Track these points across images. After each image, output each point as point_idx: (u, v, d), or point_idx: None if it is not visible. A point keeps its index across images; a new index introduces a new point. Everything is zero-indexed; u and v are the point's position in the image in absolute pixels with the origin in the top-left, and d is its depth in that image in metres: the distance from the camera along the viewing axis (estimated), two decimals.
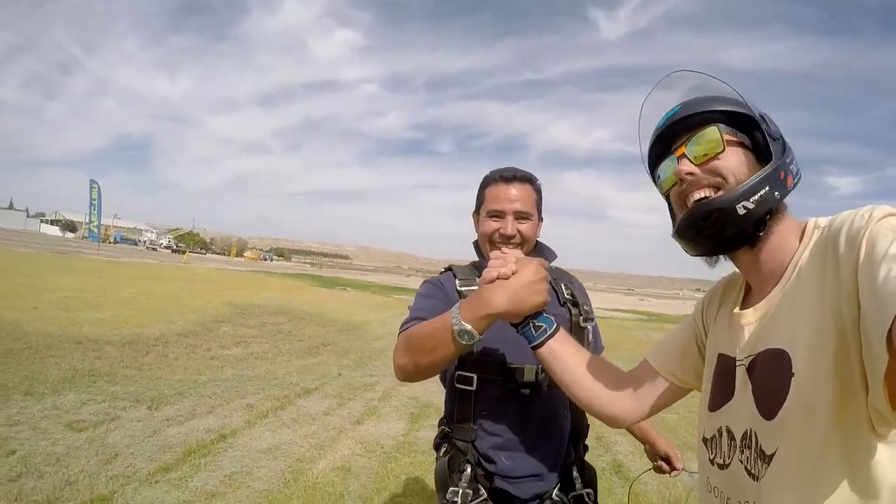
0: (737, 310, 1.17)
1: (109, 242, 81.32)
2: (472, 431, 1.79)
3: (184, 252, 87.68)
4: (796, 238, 1.06)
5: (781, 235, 1.08)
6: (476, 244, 2.00)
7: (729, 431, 1.12)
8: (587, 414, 1.84)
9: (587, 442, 2.01)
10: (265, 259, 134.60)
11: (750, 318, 1.10)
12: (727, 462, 1.12)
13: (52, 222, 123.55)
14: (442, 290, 1.90)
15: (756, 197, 1.03)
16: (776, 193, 1.04)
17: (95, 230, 49.25)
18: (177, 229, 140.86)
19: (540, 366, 1.71)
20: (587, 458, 1.99)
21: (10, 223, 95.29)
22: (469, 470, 1.76)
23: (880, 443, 0.89)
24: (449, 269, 2.01)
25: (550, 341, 1.42)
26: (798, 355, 0.95)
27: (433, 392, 7.70)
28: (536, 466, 1.78)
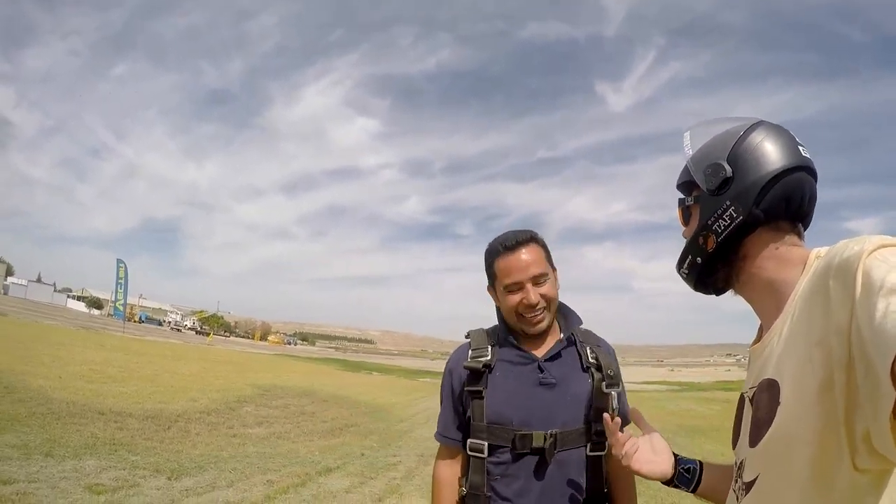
0: (750, 347, 1.20)
1: (134, 321, 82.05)
2: (485, 499, 1.79)
3: (208, 334, 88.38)
4: (798, 269, 1.05)
5: (769, 274, 1.10)
6: (499, 310, 1.99)
7: (736, 463, 1.14)
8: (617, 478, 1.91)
9: None
10: (289, 343, 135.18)
11: (757, 351, 1.12)
12: (733, 492, 1.15)
13: (79, 298, 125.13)
14: (450, 384, 1.96)
15: (685, 265, 1.24)
16: (698, 259, 1.20)
17: (121, 308, 49.79)
18: (201, 311, 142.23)
19: (549, 431, 1.75)
20: None
21: (37, 296, 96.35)
22: None
23: (863, 478, 0.86)
24: (468, 335, 2.03)
25: (704, 477, 1.42)
26: (785, 385, 0.95)
27: None
28: None
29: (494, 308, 2.01)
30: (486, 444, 1.79)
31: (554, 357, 1.86)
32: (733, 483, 1.12)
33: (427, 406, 18.54)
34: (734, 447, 1.18)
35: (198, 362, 22.55)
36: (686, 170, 1.24)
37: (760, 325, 1.19)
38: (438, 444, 1.99)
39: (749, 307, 1.21)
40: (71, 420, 7.85)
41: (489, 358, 1.86)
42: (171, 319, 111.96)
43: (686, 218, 1.27)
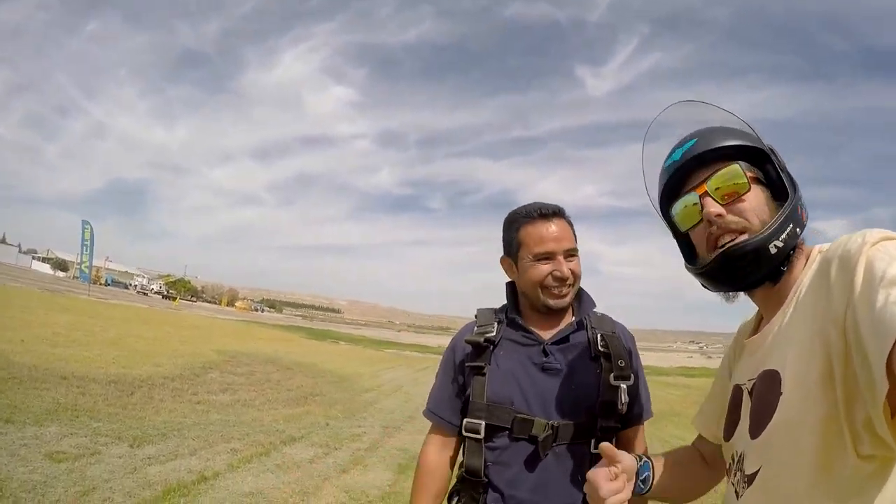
0: (747, 339, 1.19)
1: (100, 284, 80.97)
2: (481, 485, 1.71)
3: (174, 298, 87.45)
4: (802, 264, 1.08)
5: (796, 266, 1.09)
6: (510, 286, 1.92)
7: (735, 456, 1.12)
8: None
9: None
10: (256, 310, 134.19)
11: (756, 343, 1.12)
12: (729, 488, 1.14)
13: (44, 260, 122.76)
14: (452, 359, 1.87)
15: (784, 235, 1.04)
16: (798, 230, 1.07)
17: (86, 271, 49.17)
18: (168, 275, 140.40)
19: (552, 421, 1.66)
20: None
21: (1, 258, 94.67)
22: None
23: (868, 466, 0.87)
24: (477, 314, 1.93)
25: (655, 481, 1.39)
26: (787, 376, 0.96)
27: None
28: None
29: (506, 283, 1.93)
30: (483, 423, 1.69)
31: (561, 341, 1.78)
32: (731, 476, 1.12)
33: (392, 377, 18.58)
34: (727, 439, 1.18)
35: (163, 327, 22.28)
36: (737, 134, 1.16)
37: (760, 318, 1.20)
38: (428, 421, 1.92)
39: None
40: (32, 385, 7.75)
41: (493, 334, 1.78)
42: (137, 283, 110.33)
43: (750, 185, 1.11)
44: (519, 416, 1.67)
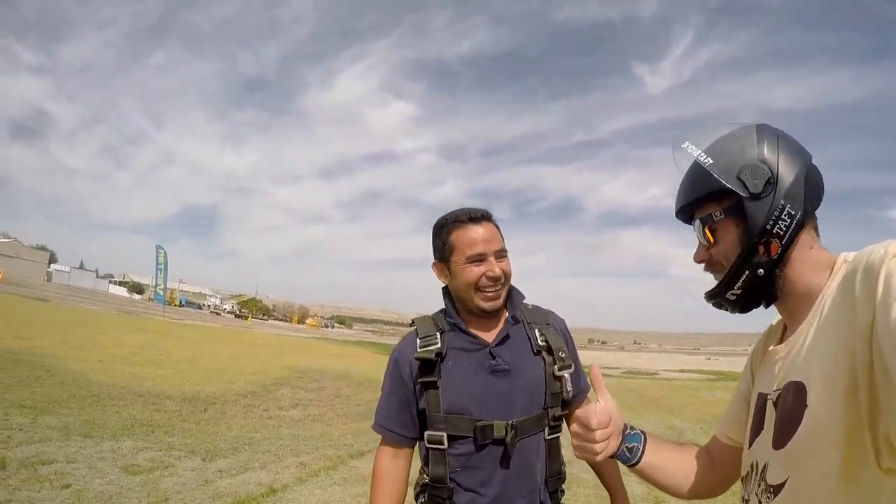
0: (772, 347, 1.17)
1: (175, 305, 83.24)
2: (447, 489, 1.76)
3: (246, 317, 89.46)
4: (825, 274, 1.04)
5: (805, 278, 1.07)
6: (446, 290, 1.96)
7: (755, 466, 1.11)
8: (564, 459, 1.92)
9: (564, 487, 1.95)
10: (326, 326, 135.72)
11: (781, 352, 1.10)
12: (748, 497, 1.12)
13: (120, 283, 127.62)
14: (398, 373, 1.86)
15: (739, 283, 1.10)
16: (759, 271, 1.08)
17: (161, 293, 50.98)
18: (240, 295, 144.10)
19: (510, 421, 1.73)
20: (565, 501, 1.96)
21: (80, 282, 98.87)
22: None
23: (891, 479, 0.85)
24: (413, 322, 1.97)
25: (644, 456, 1.36)
26: (812, 388, 0.95)
27: None
28: None
29: (442, 289, 1.97)
30: (445, 434, 1.75)
31: (503, 340, 1.84)
32: (750, 485, 1.11)
33: None
34: (749, 447, 1.17)
35: (235, 345, 22.82)
36: (699, 183, 1.15)
37: (784, 326, 1.19)
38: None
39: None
40: (110, 402, 8.05)
41: (439, 346, 1.81)
42: (210, 303, 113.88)
43: (713, 235, 1.16)
44: (479, 423, 1.73)
